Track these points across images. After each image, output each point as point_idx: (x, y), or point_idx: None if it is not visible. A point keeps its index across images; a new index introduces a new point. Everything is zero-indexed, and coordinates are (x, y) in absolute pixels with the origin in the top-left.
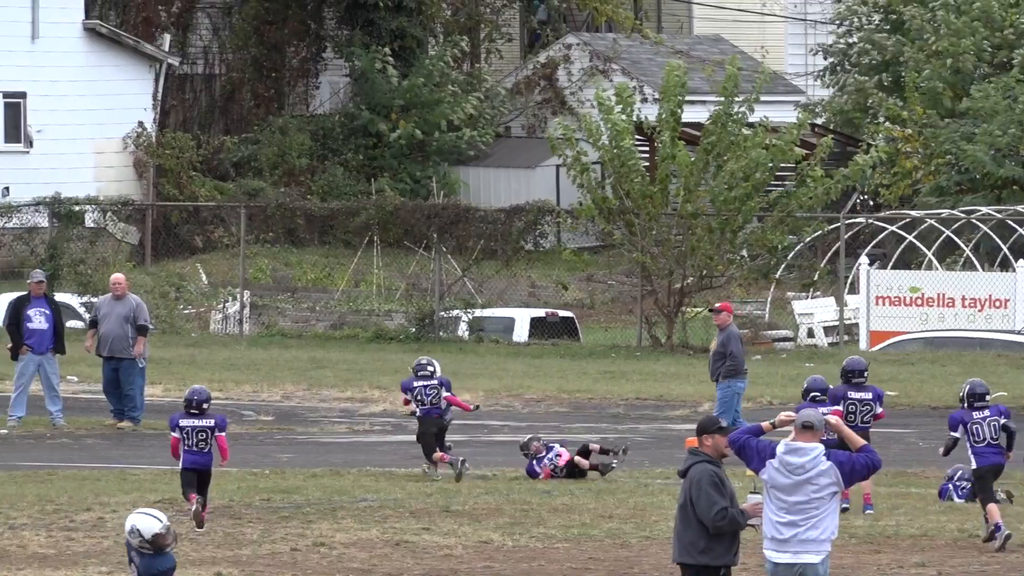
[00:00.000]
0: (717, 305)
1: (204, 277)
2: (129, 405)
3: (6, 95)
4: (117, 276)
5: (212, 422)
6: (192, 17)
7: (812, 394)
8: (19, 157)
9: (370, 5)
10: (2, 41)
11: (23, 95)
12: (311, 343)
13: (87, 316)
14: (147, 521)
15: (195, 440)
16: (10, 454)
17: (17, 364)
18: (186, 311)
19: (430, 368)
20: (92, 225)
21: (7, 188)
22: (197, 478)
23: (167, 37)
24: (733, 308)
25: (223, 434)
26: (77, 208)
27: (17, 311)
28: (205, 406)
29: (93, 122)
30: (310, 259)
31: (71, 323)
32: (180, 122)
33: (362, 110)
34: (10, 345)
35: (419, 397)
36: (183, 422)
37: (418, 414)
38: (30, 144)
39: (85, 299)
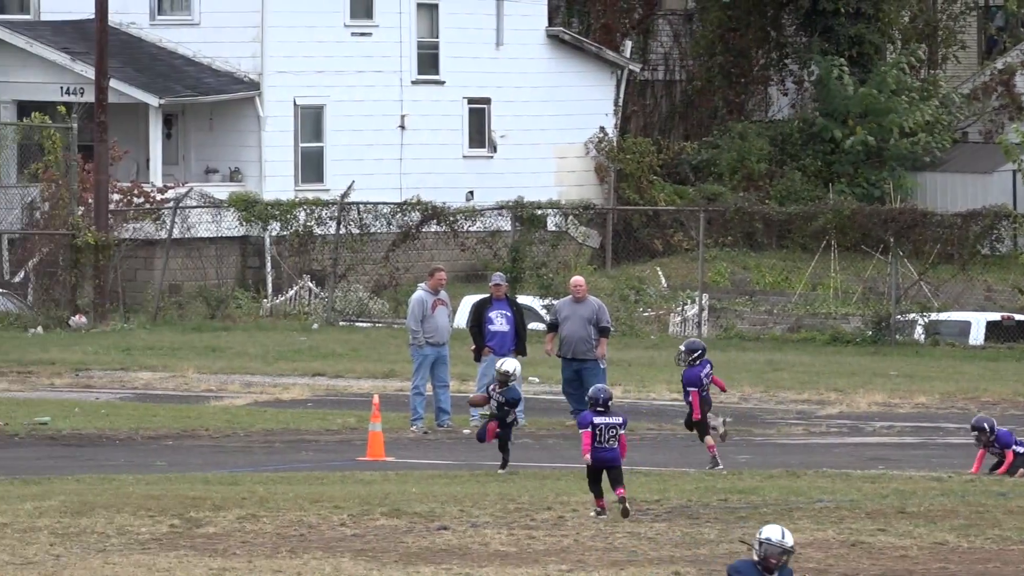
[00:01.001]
0: None
1: (663, 280)
2: None
3: (471, 101)
4: (577, 279)
5: (620, 419)
6: (653, 24)
7: None
8: (483, 162)
9: (828, 12)
10: (468, 48)
11: (487, 101)
12: (768, 345)
13: (548, 318)
14: (771, 530)
15: (606, 436)
16: (472, 453)
17: (480, 365)
18: (645, 314)
19: None
20: (554, 229)
21: (471, 192)
22: (607, 474)
23: (628, 44)
24: None
25: (624, 432)
26: (539, 212)
27: (479, 313)
28: (610, 403)
29: (555, 127)
30: (768, 263)
31: (532, 325)
32: (640, 127)
33: (817, 117)
34: (473, 347)
35: (705, 382)
36: (596, 420)
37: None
38: (494, 149)
39: (546, 301)
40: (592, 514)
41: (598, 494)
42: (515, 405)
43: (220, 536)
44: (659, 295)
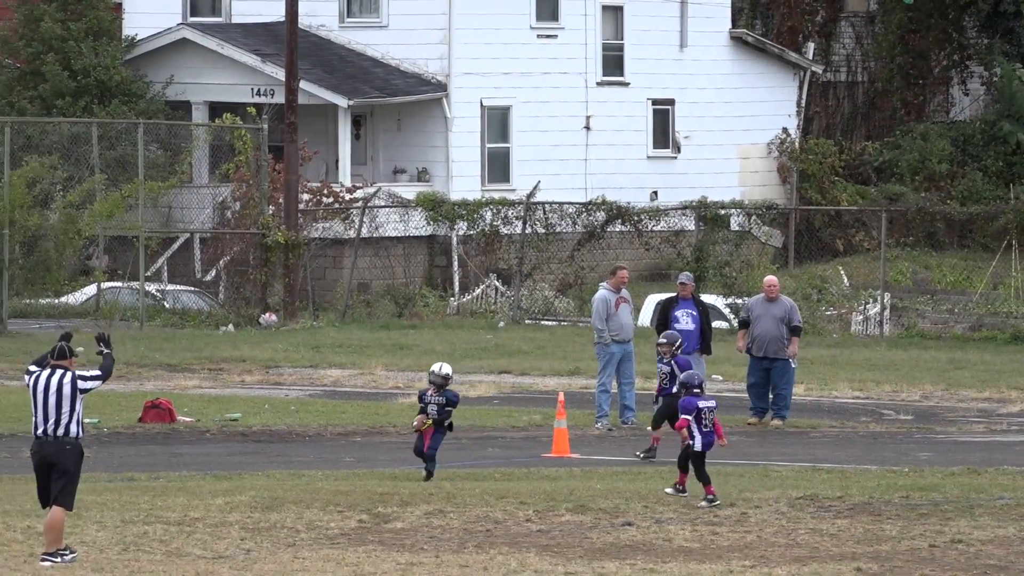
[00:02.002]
0: None
1: (845, 279)
2: (781, 404)
3: (655, 102)
4: (771, 279)
5: (715, 403)
6: (835, 26)
7: None
8: (667, 162)
9: (1010, 14)
10: (653, 50)
11: (671, 102)
12: (949, 344)
13: (731, 317)
14: None
15: (708, 420)
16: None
17: None
18: (827, 312)
19: None
20: (737, 228)
21: (655, 192)
22: (693, 459)
23: (811, 45)
24: None
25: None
26: (723, 212)
27: (665, 312)
28: (705, 386)
29: (738, 128)
30: (949, 262)
31: (716, 324)
32: (823, 128)
33: (999, 120)
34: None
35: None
36: (701, 403)
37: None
38: (678, 150)
39: (730, 300)
40: (669, 491)
41: (687, 470)
42: (454, 405)
43: (408, 531)
44: (841, 294)
